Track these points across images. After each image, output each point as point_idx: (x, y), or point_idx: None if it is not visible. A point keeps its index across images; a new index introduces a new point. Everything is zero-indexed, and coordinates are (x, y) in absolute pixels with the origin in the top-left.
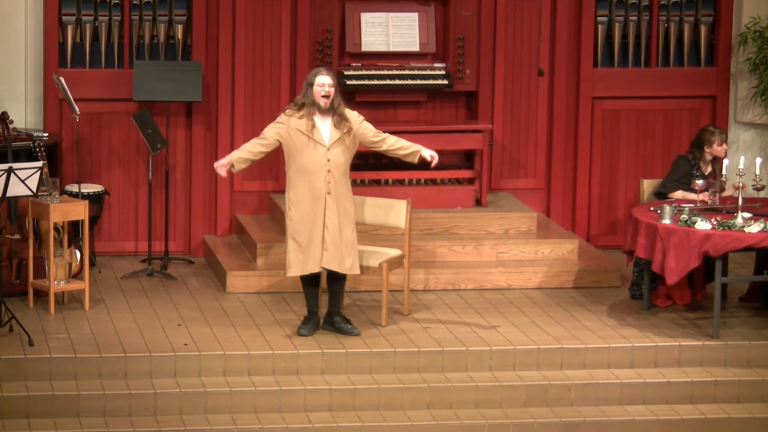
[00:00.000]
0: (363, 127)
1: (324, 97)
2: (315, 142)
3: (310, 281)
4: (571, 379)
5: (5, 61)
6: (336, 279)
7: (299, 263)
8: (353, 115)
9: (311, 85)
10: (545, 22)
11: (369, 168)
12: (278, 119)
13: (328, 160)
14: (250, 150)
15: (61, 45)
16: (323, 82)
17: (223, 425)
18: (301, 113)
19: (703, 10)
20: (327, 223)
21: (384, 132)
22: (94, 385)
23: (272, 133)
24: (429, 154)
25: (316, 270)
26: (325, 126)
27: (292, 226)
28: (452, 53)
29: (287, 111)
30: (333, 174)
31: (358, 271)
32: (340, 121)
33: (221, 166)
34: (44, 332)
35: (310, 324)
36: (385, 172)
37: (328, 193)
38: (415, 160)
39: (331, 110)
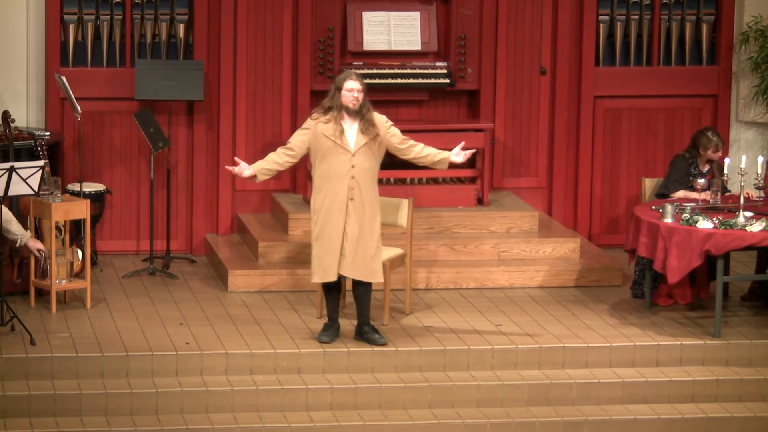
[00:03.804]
0: (389, 133)
1: (353, 101)
2: (340, 148)
3: (330, 288)
4: (573, 378)
5: (7, 59)
6: (359, 287)
7: (321, 270)
8: (381, 120)
9: (339, 89)
10: (547, 20)
11: None
12: (304, 125)
13: (353, 166)
14: (275, 161)
15: (63, 44)
16: (352, 87)
17: (225, 424)
18: (328, 117)
19: (705, 8)
20: (347, 230)
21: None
22: (96, 384)
23: (298, 141)
24: (460, 157)
25: (334, 278)
26: (351, 131)
27: (315, 232)
28: (454, 52)
29: (313, 115)
30: (357, 180)
31: (380, 279)
32: (367, 126)
33: (242, 170)
34: (46, 331)
35: (331, 330)
36: (386, 171)
37: (351, 199)
38: (445, 166)
39: (359, 115)
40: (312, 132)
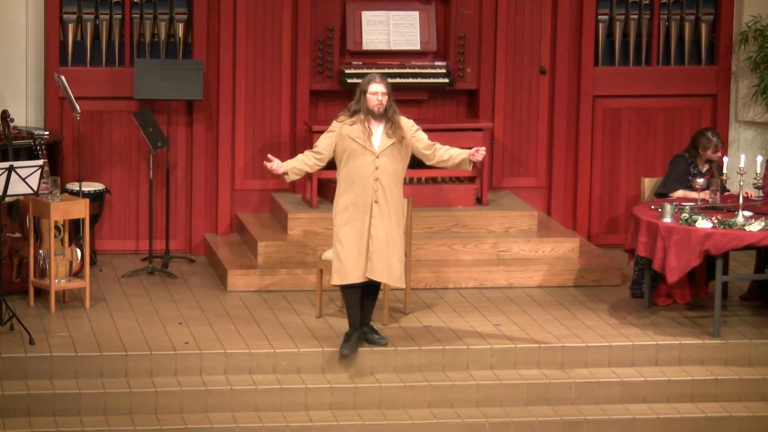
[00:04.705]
0: (415, 138)
1: (377, 104)
2: (365, 150)
3: (352, 290)
4: (572, 377)
5: (6, 59)
6: (372, 290)
7: (343, 272)
8: (407, 124)
9: (364, 92)
10: (546, 20)
11: None
12: (329, 128)
13: (377, 168)
14: (305, 162)
15: (62, 43)
16: (376, 91)
17: (224, 424)
18: (353, 119)
19: (704, 8)
20: (372, 232)
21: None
22: (95, 383)
23: (325, 144)
24: (477, 156)
25: (360, 280)
26: (376, 133)
27: (337, 234)
28: (453, 51)
29: (339, 117)
30: (381, 182)
31: (403, 285)
32: (393, 129)
33: (277, 167)
34: (45, 331)
35: (353, 339)
36: None
37: (375, 201)
38: (469, 167)
39: (384, 117)
40: (338, 134)
